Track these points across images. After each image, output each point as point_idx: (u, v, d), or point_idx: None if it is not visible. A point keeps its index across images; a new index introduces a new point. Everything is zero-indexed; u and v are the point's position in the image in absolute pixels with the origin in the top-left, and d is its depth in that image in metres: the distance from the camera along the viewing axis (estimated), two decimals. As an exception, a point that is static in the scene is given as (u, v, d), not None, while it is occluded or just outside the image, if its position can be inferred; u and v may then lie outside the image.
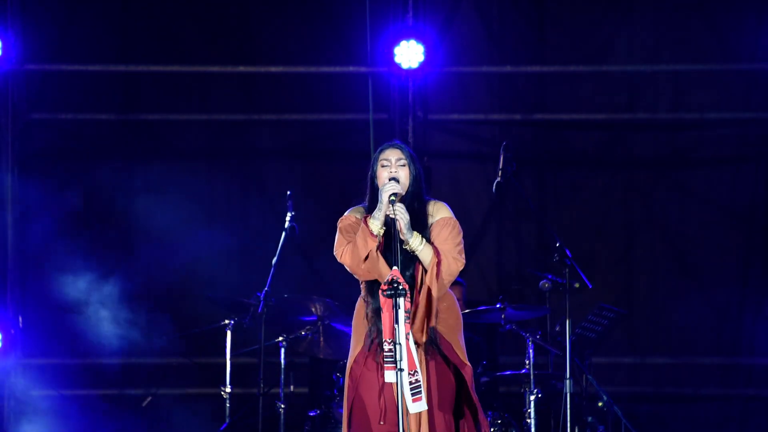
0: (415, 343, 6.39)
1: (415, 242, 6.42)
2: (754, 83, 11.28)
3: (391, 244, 6.39)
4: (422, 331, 6.42)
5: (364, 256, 6.40)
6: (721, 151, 11.32)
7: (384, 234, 6.46)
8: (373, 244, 6.39)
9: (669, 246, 11.35)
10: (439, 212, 6.60)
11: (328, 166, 11.31)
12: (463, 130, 11.53)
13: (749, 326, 11.23)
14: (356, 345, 6.51)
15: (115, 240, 11.33)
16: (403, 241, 6.39)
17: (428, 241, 6.47)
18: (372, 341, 6.46)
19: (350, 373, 6.47)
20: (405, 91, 11.37)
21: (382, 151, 6.60)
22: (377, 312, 6.42)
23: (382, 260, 6.41)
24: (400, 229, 6.35)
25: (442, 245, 6.47)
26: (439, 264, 6.42)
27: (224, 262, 11.32)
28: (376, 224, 6.40)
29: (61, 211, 11.27)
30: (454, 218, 6.59)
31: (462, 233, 6.56)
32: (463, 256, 6.51)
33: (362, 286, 6.54)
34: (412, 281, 6.45)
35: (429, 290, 6.41)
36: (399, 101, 11.38)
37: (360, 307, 6.57)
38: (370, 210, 6.55)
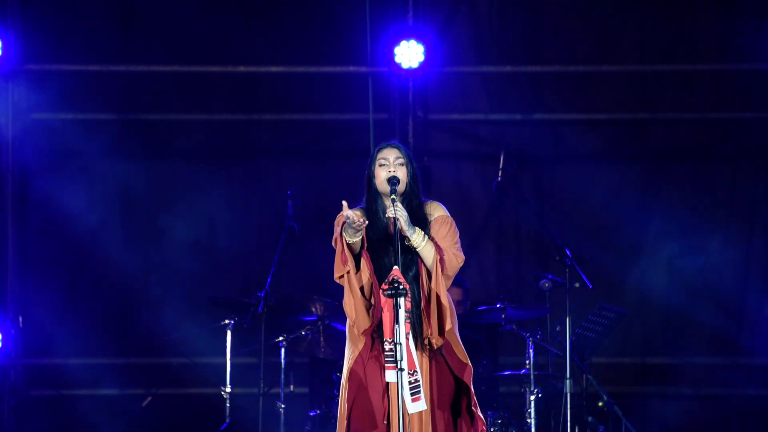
0: (429, 345, 6.42)
1: (418, 238, 6.43)
2: (754, 83, 11.29)
3: (392, 244, 6.42)
4: (438, 335, 6.46)
5: (338, 276, 6.45)
6: (721, 151, 11.33)
7: (385, 234, 6.48)
8: (342, 270, 6.42)
9: (669, 245, 11.35)
10: (437, 211, 6.65)
11: (328, 166, 11.31)
12: (463, 130, 11.53)
13: (749, 326, 11.23)
14: (355, 346, 6.50)
15: (115, 239, 11.33)
16: (404, 239, 6.41)
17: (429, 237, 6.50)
18: (374, 341, 6.46)
19: (350, 374, 6.46)
20: (405, 91, 11.37)
21: (380, 150, 6.61)
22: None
23: (354, 287, 6.43)
24: (401, 226, 6.36)
25: (441, 242, 6.50)
26: (442, 260, 6.44)
27: (224, 262, 11.32)
28: (350, 232, 6.40)
29: (61, 211, 11.27)
30: (450, 216, 6.63)
31: (458, 232, 6.60)
32: (462, 252, 6.55)
33: None
34: (415, 281, 6.46)
35: (441, 290, 6.44)
36: (399, 101, 11.38)
37: None
38: (367, 211, 6.57)
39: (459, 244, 6.57)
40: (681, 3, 11.31)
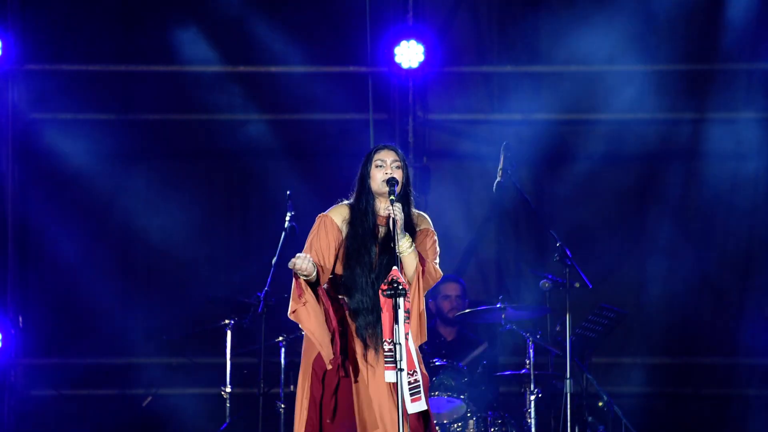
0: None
1: (406, 244, 6.41)
2: (754, 83, 11.29)
3: (376, 244, 6.44)
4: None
5: (291, 312, 6.45)
6: (721, 150, 11.32)
7: (371, 234, 6.49)
8: (297, 304, 6.39)
9: (668, 245, 11.35)
10: (423, 223, 6.65)
11: (328, 166, 11.30)
12: (463, 130, 11.53)
13: (749, 326, 11.23)
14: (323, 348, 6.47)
15: (115, 240, 11.33)
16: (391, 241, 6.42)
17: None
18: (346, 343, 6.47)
19: (327, 375, 6.44)
20: (405, 91, 11.37)
21: (377, 151, 6.60)
22: (356, 312, 6.44)
23: (316, 316, 6.40)
24: (397, 225, 6.35)
25: (424, 254, 6.50)
26: (423, 272, 6.44)
27: (224, 262, 11.32)
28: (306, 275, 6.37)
29: (61, 211, 11.27)
30: (434, 231, 6.64)
31: (439, 249, 6.64)
32: (439, 269, 6.57)
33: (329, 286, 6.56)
34: None
35: (416, 303, 6.44)
36: (399, 101, 11.38)
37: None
38: (355, 209, 6.56)
39: (438, 260, 6.59)
40: (680, 3, 11.30)
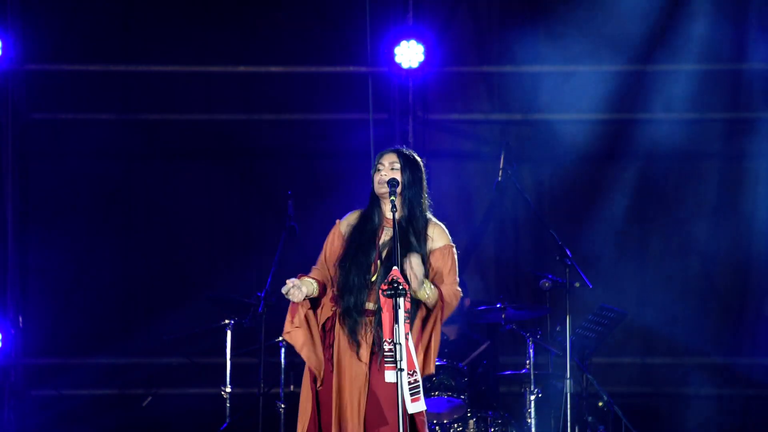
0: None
1: (424, 294, 6.38)
2: (754, 83, 11.29)
3: (376, 248, 6.45)
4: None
5: (286, 332, 6.50)
6: (721, 150, 11.32)
7: (372, 239, 6.50)
8: (289, 329, 6.46)
9: (669, 245, 11.35)
10: (441, 238, 6.56)
11: (328, 166, 11.31)
12: (463, 130, 11.53)
13: (749, 326, 11.23)
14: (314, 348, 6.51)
15: (115, 240, 11.33)
16: (401, 241, 6.39)
17: (426, 264, 6.46)
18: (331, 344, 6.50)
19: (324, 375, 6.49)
20: (405, 91, 11.37)
21: (380, 155, 6.63)
22: (347, 313, 6.44)
23: (303, 338, 6.47)
24: (413, 286, 6.29)
25: (446, 278, 6.47)
26: (443, 308, 6.42)
27: (224, 262, 11.32)
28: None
29: (61, 211, 11.27)
30: (453, 244, 6.58)
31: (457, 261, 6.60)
32: (459, 288, 6.54)
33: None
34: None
35: (430, 334, 6.43)
36: (399, 101, 11.38)
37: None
38: (363, 214, 6.58)
39: (458, 278, 6.54)
40: (680, 3, 11.31)
